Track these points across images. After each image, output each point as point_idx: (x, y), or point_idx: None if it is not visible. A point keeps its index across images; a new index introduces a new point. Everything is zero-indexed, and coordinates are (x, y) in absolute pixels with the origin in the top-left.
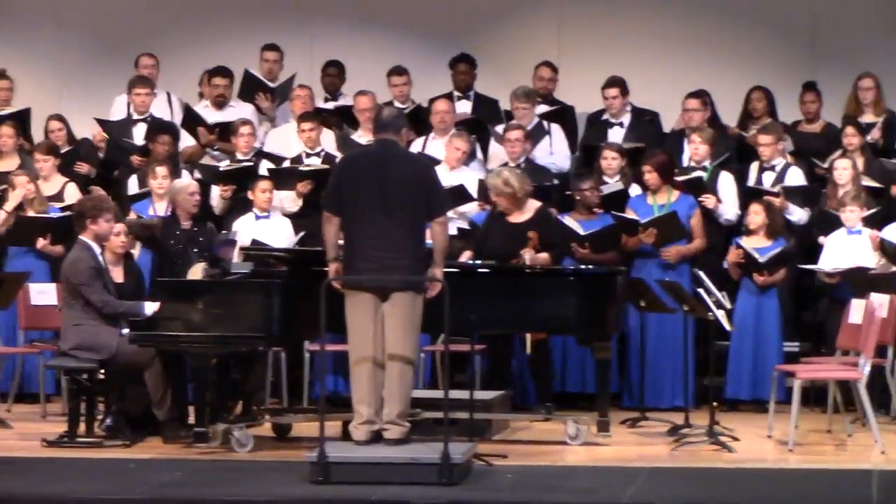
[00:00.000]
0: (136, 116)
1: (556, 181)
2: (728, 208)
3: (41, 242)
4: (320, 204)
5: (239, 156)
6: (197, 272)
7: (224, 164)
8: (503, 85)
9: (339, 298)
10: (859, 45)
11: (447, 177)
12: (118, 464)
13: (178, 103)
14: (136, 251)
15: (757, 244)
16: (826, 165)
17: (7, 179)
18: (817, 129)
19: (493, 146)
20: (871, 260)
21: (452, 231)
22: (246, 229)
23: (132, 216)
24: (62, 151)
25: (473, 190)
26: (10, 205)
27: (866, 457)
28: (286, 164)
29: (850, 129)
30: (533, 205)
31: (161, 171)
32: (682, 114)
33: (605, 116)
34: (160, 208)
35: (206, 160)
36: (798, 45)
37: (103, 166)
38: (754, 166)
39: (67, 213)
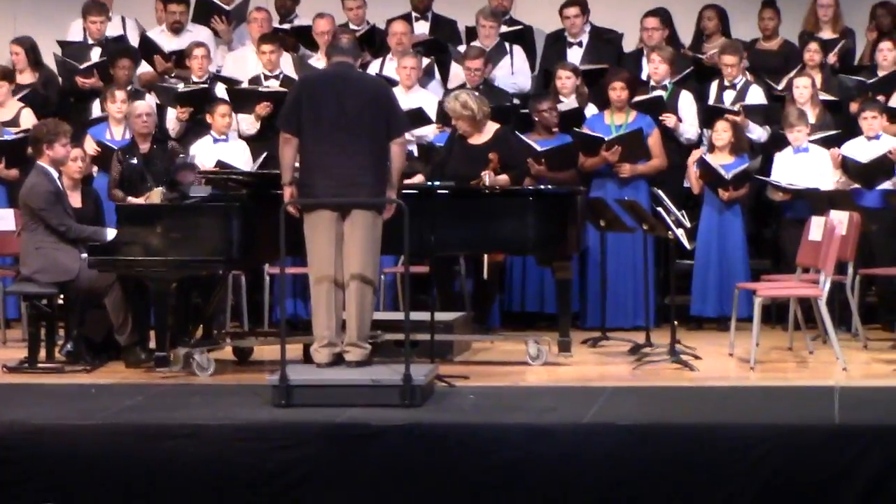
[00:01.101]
0: (91, 42)
1: (516, 101)
2: (688, 127)
3: None
4: (276, 124)
5: (194, 79)
6: (154, 197)
7: (181, 87)
8: (461, 5)
9: (299, 221)
10: None
11: (404, 99)
12: (79, 389)
13: (133, 28)
14: (95, 173)
15: (721, 161)
16: (782, 86)
17: None
18: (774, 46)
19: (454, 67)
20: (830, 178)
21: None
22: (204, 152)
23: (88, 140)
24: (28, 82)
25: (432, 112)
26: None
27: (828, 373)
28: (244, 86)
29: (813, 46)
30: (492, 127)
31: (119, 95)
32: (641, 32)
33: (565, 36)
34: (117, 133)
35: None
36: None
37: (63, 94)
38: (714, 85)
39: (20, 135)
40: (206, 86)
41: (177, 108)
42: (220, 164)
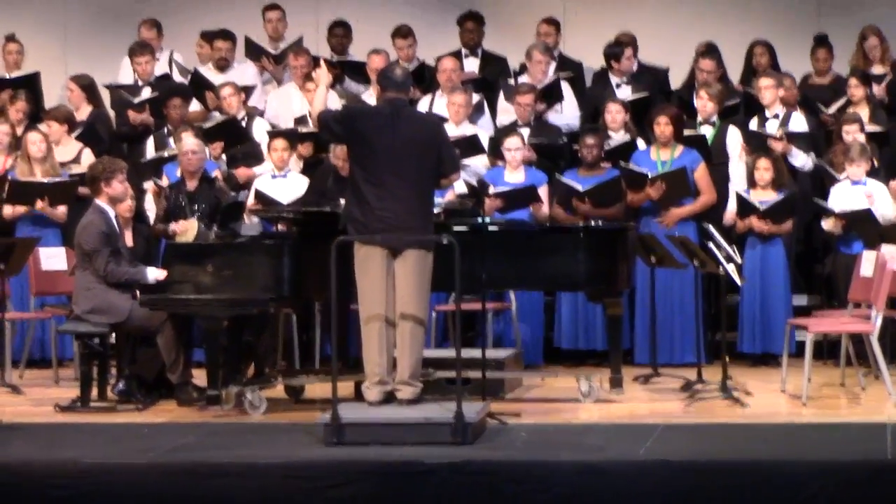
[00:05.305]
0: (140, 83)
1: (565, 139)
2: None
3: (39, 204)
4: (322, 119)
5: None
6: (192, 227)
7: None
8: (511, 42)
9: (350, 259)
10: None
11: (455, 134)
12: (131, 428)
13: (178, 63)
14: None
15: (762, 197)
16: (832, 111)
17: (22, 139)
18: (826, 81)
19: (502, 103)
20: (890, 210)
21: (461, 188)
22: (263, 188)
23: (164, 180)
24: (82, 118)
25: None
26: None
27: (880, 409)
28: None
29: (853, 81)
30: None
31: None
32: (696, 72)
33: (612, 76)
34: None
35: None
36: None
37: (115, 136)
38: (756, 119)
39: (59, 179)
40: (227, 118)
41: (209, 145)
42: (258, 193)
